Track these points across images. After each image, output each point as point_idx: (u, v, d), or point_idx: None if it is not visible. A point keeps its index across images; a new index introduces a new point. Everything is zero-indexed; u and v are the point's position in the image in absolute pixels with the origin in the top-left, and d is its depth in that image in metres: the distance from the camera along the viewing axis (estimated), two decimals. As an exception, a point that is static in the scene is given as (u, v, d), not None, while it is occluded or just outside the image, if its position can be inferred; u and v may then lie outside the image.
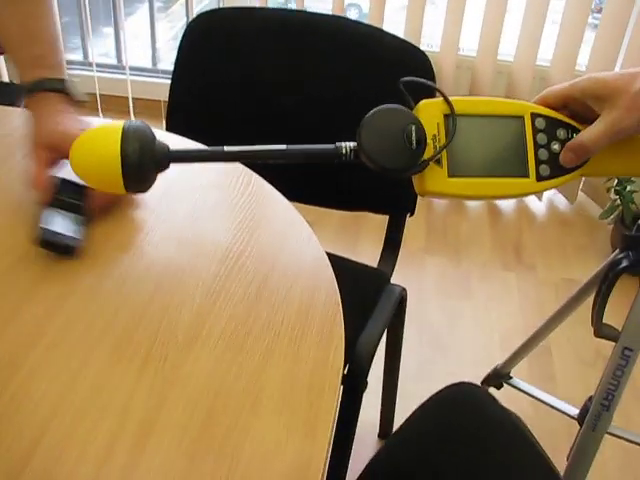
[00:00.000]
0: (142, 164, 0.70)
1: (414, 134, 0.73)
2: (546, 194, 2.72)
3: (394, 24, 2.86)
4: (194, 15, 1.47)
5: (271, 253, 0.89)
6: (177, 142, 1.11)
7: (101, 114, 2.97)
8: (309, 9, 3.68)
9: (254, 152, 0.75)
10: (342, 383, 1.20)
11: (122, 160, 0.69)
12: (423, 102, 0.77)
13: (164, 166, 0.73)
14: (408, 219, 1.39)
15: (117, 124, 0.71)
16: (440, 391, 0.85)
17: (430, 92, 0.79)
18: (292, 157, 0.76)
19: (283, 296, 0.82)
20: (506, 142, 0.78)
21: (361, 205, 1.38)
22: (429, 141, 0.75)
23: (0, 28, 0.94)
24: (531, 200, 2.73)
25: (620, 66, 2.41)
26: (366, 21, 2.54)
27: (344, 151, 0.75)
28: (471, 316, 2.14)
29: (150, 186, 0.73)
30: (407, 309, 1.43)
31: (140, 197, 0.96)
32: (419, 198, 1.01)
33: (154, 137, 0.72)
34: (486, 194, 0.77)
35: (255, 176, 1.03)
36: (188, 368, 0.72)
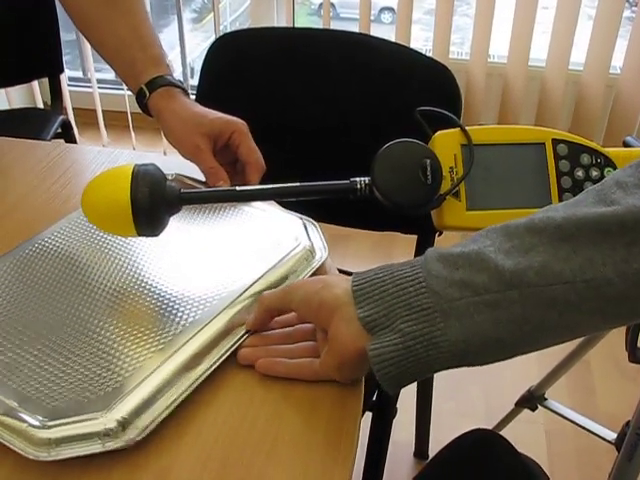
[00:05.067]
0: (153, 208, 0.70)
1: (429, 168, 0.71)
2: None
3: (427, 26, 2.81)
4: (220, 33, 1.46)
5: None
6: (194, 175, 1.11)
7: (132, 131, 3.00)
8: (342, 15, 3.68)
9: (267, 191, 0.74)
10: (371, 410, 1.19)
11: (132, 205, 0.69)
12: (439, 133, 0.75)
13: (176, 208, 0.72)
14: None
15: (127, 168, 0.71)
16: (456, 439, 0.83)
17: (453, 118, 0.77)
18: (306, 194, 0.74)
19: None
20: (527, 171, 0.75)
21: (388, 226, 1.36)
22: (446, 174, 0.73)
23: (105, 33, 0.95)
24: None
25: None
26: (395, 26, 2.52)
27: (359, 186, 0.73)
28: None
29: (163, 229, 0.73)
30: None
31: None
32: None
33: (165, 179, 0.71)
34: (507, 226, 0.75)
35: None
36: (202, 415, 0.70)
